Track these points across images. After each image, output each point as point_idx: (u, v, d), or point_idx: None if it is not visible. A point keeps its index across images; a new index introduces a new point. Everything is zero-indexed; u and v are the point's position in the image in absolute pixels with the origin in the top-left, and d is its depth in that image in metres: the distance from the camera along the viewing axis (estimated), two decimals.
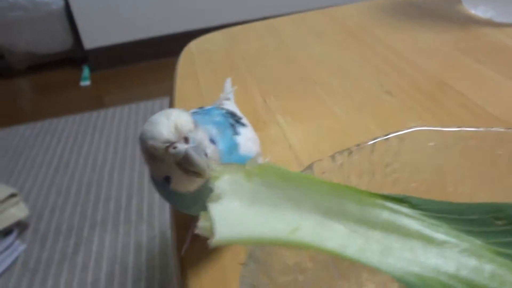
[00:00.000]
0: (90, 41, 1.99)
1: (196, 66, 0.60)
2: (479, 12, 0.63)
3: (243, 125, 0.31)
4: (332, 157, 0.24)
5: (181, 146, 0.23)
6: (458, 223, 0.18)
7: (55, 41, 2.07)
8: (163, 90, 1.78)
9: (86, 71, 2.05)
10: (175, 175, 0.25)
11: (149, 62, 2.05)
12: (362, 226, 0.18)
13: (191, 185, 0.25)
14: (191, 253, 0.31)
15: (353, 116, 0.44)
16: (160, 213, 1.16)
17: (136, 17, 1.99)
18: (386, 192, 0.24)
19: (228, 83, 0.44)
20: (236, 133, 0.29)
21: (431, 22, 0.63)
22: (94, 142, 1.52)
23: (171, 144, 0.24)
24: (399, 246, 0.17)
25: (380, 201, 0.19)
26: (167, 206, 1.18)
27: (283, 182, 0.20)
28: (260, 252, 0.19)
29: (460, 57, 0.52)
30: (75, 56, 2.14)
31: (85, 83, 1.97)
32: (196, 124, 0.25)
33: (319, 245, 0.17)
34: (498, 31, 0.57)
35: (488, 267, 0.17)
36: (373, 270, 0.25)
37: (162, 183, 0.26)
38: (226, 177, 0.20)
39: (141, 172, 1.33)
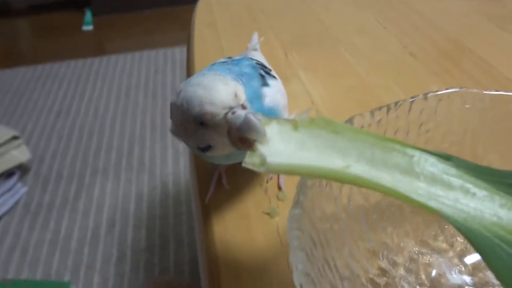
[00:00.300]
0: None
1: (215, 17, 0.58)
2: None
3: (273, 77, 0.31)
4: (372, 112, 0.24)
5: (241, 111, 0.22)
6: (498, 185, 0.18)
7: None
8: (168, 40, 1.74)
9: (88, 15, 2.00)
10: (219, 144, 0.24)
11: (153, 10, 2.00)
12: (407, 176, 0.18)
13: (230, 150, 0.25)
14: (214, 201, 0.32)
15: (375, 76, 0.43)
16: (162, 162, 1.17)
17: None
18: None
19: (255, 36, 0.43)
20: (265, 84, 0.29)
21: None
22: (96, 89, 1.50)
23: (230, 109, 0.23)
24: (443, 194, 0.18)
25: (426, 156, 0.19)
26: (169, 156, 1.19)
27: (329, 133, 0.20)
28: (304, 199, 0.19)
29: (485, 23, 0.52)
30: None
31: (88, 27, 1.93)
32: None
33: (373, 180, 0.17)
34: None
35: None
36: (397, 223, 0.26)
37: (197, 150, 0.26)
38: (273, 125, 0.20)
39: (143, 122, 1.33)
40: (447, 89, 0.25)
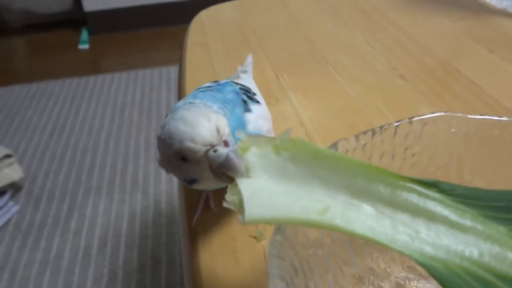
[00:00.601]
0: (91, 3, 1.95)
1: (207, 37, 0.59)
2: (493, 1, 0.62)
3: (256, 102, 0.31)
4: (357, 136, 0.24)
5: (222, 150, 0.22)
6: (485, 209, 0.18)
7: (54, 1, 2.02)
8: (163, 60, 1.75)
9: (85, 34, 2.01)
10: (203, 178, 0.24)
11: (150, 30, 2.02)
12: (391, 208, 0.18)
13: (215, 183, 0.24)
14: (201, 223, 0.31)
15: (365, 98, 0.44)
16: (156, 181, 1.16)
17: None
18: (404, 175, 0.24)
19: (249, 57, 0.44)
20: (247, 110, 0.29)
21: (446, 8, 0.62)
22: (91, 108, 1.50)
23: (212, 147, 0.22)
24: (425, 231, 0.17)
25: (409, 184, 0.19)
26: (163, 175, 1.18)
27: (312, 158, 0.20)
28: (286, 226, 0.19)
29: (473, 46, 0.52)
30: (74, 18, 2.09)
31: (84, 46, 1.94)
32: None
33: (348, 228, 0.17)
34: (511, 21, 0.57)
35: (511, 255, 0.17)
36: (383, 249, 0.26)
37: (184, 182, 0.26)
38: (254, 150, 0.20)
39: (137, 140, 1.32)
40: (432, 113, 0.25)
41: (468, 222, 0.18)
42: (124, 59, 1.83)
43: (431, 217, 0.18)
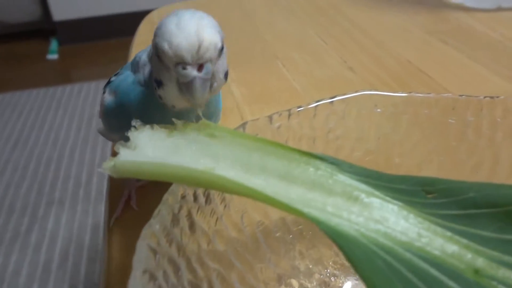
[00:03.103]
0: (60, 12, 1.91)
1: None
2: None
3: None
4: (270, 117, 0.21)
5: (191, 72, 0.19)
6: (386, 190, 0.16)
7: (23, 11, 1.98)
8: None
9: (54, 44, 1.97)
10: (169, 85, 0.21)
11: (120, 39, 1.98)
12: (284, 181, 0.16)
13: (178, 103, 0.21)
14: (120, 222, 0.29)
15: (312, 91, 0.42)
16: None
17: None
18: None
19: None
20: None
21: (402, 4, 0.61)
22: (57, 118, 1.46)
23: (183, 62, 0.19)
24: (321, 200, 0.15)
25: (307, 159, 0.16)
26: None
27: (206, 137, 0.17)
28: (167, 212, 0.16)
29: (427, 38, 0.51)
30: (44, 28, 2.05)
31: (53, 56, 1.89)
32: (222, 49, 0.20)
33: (236, 181, 0.15)
34: (467, 15, 0.56)
35: (413, 228, 0.15)
36: (306, 242, 0.23)
37: (152, 84, 0.22)
38: (146, 130, 0.18)
39: (104, 151, 1.28)
40: (356, 91, 0.23)
41: (367, 198, 0.15)
42: (94, 69, 1.79)
43: (328, 191, 0.16)
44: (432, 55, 0.47)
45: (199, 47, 0.19)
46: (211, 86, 0.20)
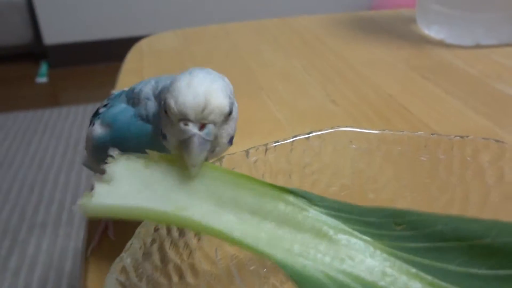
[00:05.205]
0: (50, 36, 1.92)
1: (143, 64, 0.57)
2: (432, 32, 0.63)
3: None
4: (246, 151, 0.22)
5: (192, 129, 0.19)
6: (356, 223, 0.16)
7: (14, 34, 1.99)
8: None
9: (44, 67, 1.97)
10: (171, 140, 0.20)
11: (109, 64, 1.99)
12: (255, 216, 0.16)
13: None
14: (97, 253, 0.28)
15: (294, 123, 0.42)
16: None
17: (99, 16, 1.94)
18: None
19: None
20: None
21: (385, 38, 0.63)
22: (43, 141, 1.45)
23: (186, 119, 0.19)
24: (290, 238, 0.15)
25: (279, 193, 0.17)
26: None
27: (181, 170, 0.18)
28: (139, 245, 0.16)
29: (409, 73, 0.52)
30: (34, 51, 2.06)
31: (42, 79, 1.90)
32: (231, 113, 0.20)
33: (204, 224, 0.15)
34: (448, 51, 0.58)
35: (378, 266, 0.15)
36: (282, 280, 0.23)
37: (156, 121, 0.22)
38: (123, 161, 0.18)
39: (89, 175, 1.27)
40: (332, 128, 0.23)
41: (336, 234, 0.16)
42: (83, 93, 1.79)
43: (298, 227, 0.16)
44: (413, 90, 0.48)
45: (205, 107, 0.19)
46: (212, 150, 0.20)
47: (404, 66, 0.54)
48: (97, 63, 2.00)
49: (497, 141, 0.22)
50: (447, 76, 0.51)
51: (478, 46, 0.59)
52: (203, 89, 0.19)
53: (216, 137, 0.20)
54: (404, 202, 0.23)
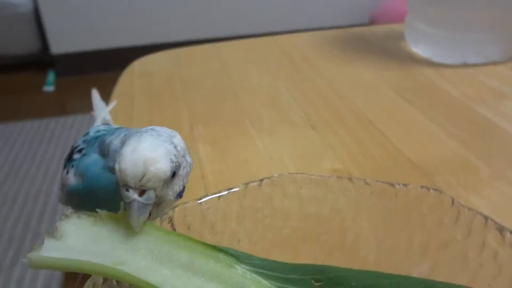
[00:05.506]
0: (58, 46, 1.96)
1: (134, 87, 0.59)
2: (419, 50, 0.64)
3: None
4: (199, 202, 0.23)
5: (131, 195, 0.20)
6: (278, 280, 0.18)
7: (22, 44, 2.03)
8: None
9: (51, 76, 2.01)
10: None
11: (116, 73, 2.03)
12: (187, 272, 0.18)
13: None
14: None
15: (272, 149, 0.44)
16: None
17: (106, 25, 1.98)
18: (254, 238, 0.24)
19: (96, 97, 0.43)
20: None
21: (373, 57, 0.64)
22: (49, 150, 1.48)
23: (127, 186, 0.21)
24: None
25: (211, 252, 0.19)
26: None
27: (125, 228, 0.19)
28: None
29: (391, 96, 0.53)
30: (42, 60, 2.10)
31: (49, 88, 1.93)
32: (173, 176, 0.22)
33: (138, 277, 0.17)
34: (434, 71, 0.59)
35: None
36: None
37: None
38: (73, 219, 0.20)
39: None
40: (280, 174, 0.25)
41: None
42: (89, 102, 1.81)
43: (224, 283, 0.17)
44: (393, 115, 0.49)
45: (143, 175, 0.20)
46: (158, 205, 0.22)
47: (387, 88, 0.55)
48: (104, 72, 2.03)
49: (435, 190, 0.23)
50: (429, 98, 0.52)
51: (465, 65, 0.60)
52: (144, 157, 0.20)
53: (160, 196, 0.21)
54: (353, 244, 0.24)
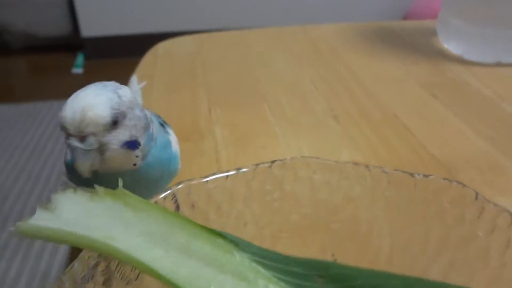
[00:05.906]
0: (88, 29, 1.98)
1: (156, 69, 0.59)
2: (451, 47, 0.62)
3: (168, 126, 0.30)
4: (206, 179, 0.22)
5: (73, 142, 0.21)
6: (278, 271, 0.17)
7: (54, 26, 2.07)
8: None
9: (80, 59, 2.04)
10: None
11: (141, 58, 2.04)
12: (182, 254, 0.17)
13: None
14: None
15: (290, 137, 0.42)
16: None
17: (136, 11, 1.99)
18: (261, 222, 0.23)
19: (134, 81, 0.44)
20: (166, 132, 0.28)
21: (402, 52, 0.62)
22: None
23: (68, 134, 0.21)
24: (209, 278, 0.16)
25: (209, 236, 0.17)
26: None
27: (122, 205, 0.19)
28: (83, 269, 0.17)
29: (418, 91, 0.51)
30: (72, 43, 2.13)
31: (77, 70, 1.96)
32: (115, 123, 0.22)
33: (127, 253, 0.16)
34: (465, 69, 0.56)
35: None
36: None
37: None
38: (69, 193, 0.19)
39: None
40: (292, 157, 0.24)
41: (257, 279, 0.16)
42: None
43: (220, 268, 0.17)
44: (419, 110, 0.47)
45: (81, 122, 0.21)
46: (102, 153, 0.22)
47: (414, 84, 0.53)
48: (131, 57, 2.05)
49: (458, 183, 0.22)
50: (458, 95, 0.50)
51: (498, 64, 0.57)
52: (83, 104, 0.21)
53: (104, 144, 0.21)
54: (366, 235, 0.23)
